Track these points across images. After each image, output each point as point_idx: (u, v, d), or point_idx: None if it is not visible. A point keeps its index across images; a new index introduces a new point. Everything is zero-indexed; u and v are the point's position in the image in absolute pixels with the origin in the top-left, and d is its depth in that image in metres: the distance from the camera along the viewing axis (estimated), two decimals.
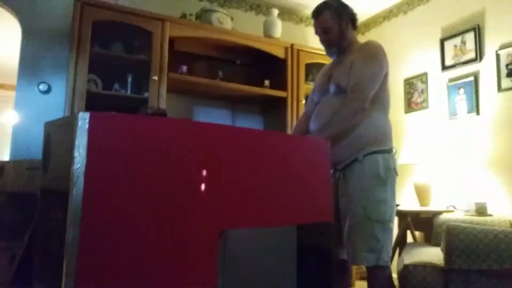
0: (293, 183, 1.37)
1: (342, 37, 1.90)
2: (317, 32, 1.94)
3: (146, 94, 2.79)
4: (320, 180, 1.47)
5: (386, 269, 1.79)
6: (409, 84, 3.36)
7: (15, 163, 2.57)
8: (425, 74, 3.22)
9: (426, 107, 3.18)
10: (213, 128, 1.23)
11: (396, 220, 2.79)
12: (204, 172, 1.16)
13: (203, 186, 1.15)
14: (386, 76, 1.85)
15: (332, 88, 1.91)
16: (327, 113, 1.85)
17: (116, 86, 2.83)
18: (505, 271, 1.52)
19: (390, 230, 1.79)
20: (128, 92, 2.85)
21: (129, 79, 2.86)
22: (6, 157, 3.00)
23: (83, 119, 1.00)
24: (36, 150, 2.58)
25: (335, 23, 1.87)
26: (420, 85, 3.25)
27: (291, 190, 1.36)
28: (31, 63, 2.87)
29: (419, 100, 3.26)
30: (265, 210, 1.28)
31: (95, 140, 1.00)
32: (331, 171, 1.90)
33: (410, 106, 3.34)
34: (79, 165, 0.99)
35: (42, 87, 2.88)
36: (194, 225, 1.13)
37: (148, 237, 1.05)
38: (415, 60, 3.35)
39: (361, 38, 3.85)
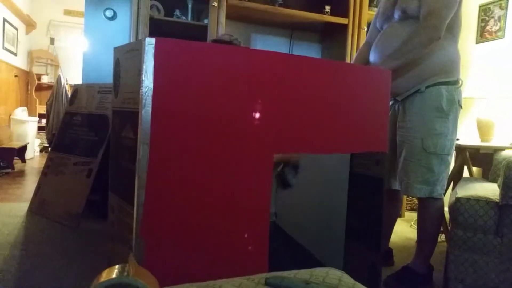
0: (349, 112, 1.39)
1: None
2: None
3: (206, 21, 2.80)
4: (378, 110, 1.47)
5: (438, 201, 1.81)
6: (485, 11, 3.06)
7: (87, 87, 2.78)
8: None
9: (502, 37, 2.91)
10: (269, 56, 1.25)
11: (453, 154, 2.73)
12: (260, 98, 1.21)
13: (258, 112, 1.21)
14: (460, 0, 1.71)
15: (397, 14, 1.79)
16: (391, 42, 1.77)
17: (177, 12, 2.87)
18: None
19: (447, 164, 1.77)
20: (189, 18, 2.88)
21: (189, 5, 2.87)
22: (78, 81, 3.22)
23: (150, 44, 1.07)
24: (105, 75, 2.76)
25: None
26: (497, 12, 2.95)
27: (346, 119, 1.39)
28: None
29: (495, 28, 2.98)
30: (318, 137, 1.33)
31: (161, 64, 1.07)
32: (391, 102, 1.87)
33: (483, 35, 3.07)
34: (147, 88, 1.07)
35: (108, 13, 2.98)
36: (250, 147, 1.20)
37: (210, 156, 1.15)
38: None
39: None
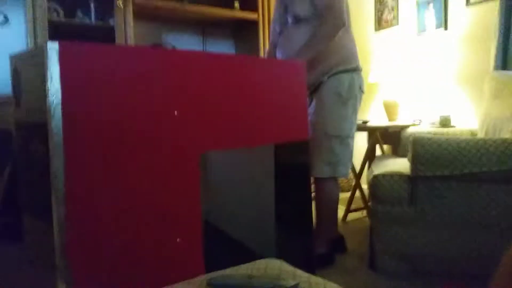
0: (269, 105, 1.42)
1: None
2: None
3: (111, 22, 2.67)
4: (296, 101, 1.52)
5: (334, 182, 1.90)
6: (380, 2, 3.32)
7: None
8: None
9: (396, 24, 3.18)
10: (184, 55, 1.23)
11: (365, 135, 2.94)
12: (177, 99, 1.19)
13: (177, 112, 1.18)
14: None
15: (290, 19, 1.90)
16: (291, 43, 1.87)
17: (79, 13, 2.68)
18: (465, 176, 1.66)
19: (348, 145, 1.90)
20: (92, 20, 2.71)
21: (92, 5, 2.70)
22: None
23: (53, 49, 0.99)
24: (0, 85, 2.49)
25: None
26: (390, 2, 3.22)
27: (268, 112, 1.41)
28: None
29: (389, 17, 3.24)
30: (241, 132, 1.34)
31: (67, 69, 1.00)
32: None
33: (380, 24, 3.33)
34: (53, 96, 0.99)
35: None
36: (173, 149, 1.17)
37: (132, 161, 1.10)
38: None
39: None
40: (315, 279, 0.70)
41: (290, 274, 0.71)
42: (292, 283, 0.66)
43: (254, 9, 3.14)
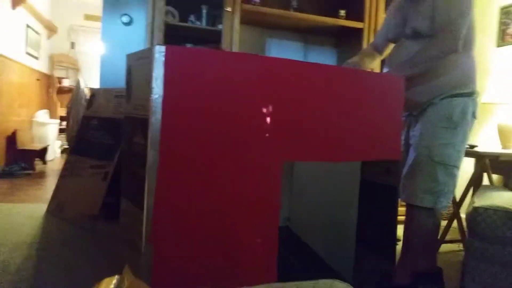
0: (361, 120, 1.37)
1: None
2: None
3: (220, 26, 2.82)
4: (390, 117, 1.45)
5: (434, 213, 1.73)
6: (506, 13, 2.98)
7: (104, 91, 2.82)
8: None
9: None
10: (281, 63, 1.25)
11: (472, 161, 2.66)
12: (270, 106, 1.21)
13: (268, 119, 1.20)
14: (472, 10, 1.67)
15: (409, 31, 1.77)
16: (405, 57, 1.75)
17: (192, 18, 2.89)
18: None
19: (453, 176, 1.72)
20: (203, 24, 2.89)
21: (204, 11, 2.89)
22: (96, 85, 3.28)
23: (160, 52, 1.08)
24: (122, 79, 2.78)
25: None
26: None
27: (359, 127, 1.37)
28: None
29: None
30: (328, 145, 1.31)
31: (170, 72, 1.08)
32: (406, 114, 1.85)
33: (504, 38, 2.99)
34: (157, 95, 1.08)
35: (125, 18, 3.03)
36: (260, 154, 1.20)
37: (219, 162, 1.15)
38: None
39: None
40: None
41: None
42: None
43: (360, 18, 3.05)
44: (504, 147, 2.59)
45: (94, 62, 6.54)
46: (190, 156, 1.12)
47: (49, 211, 2.67)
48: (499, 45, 3.03)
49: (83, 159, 2.67)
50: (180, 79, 1.10)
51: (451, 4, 1.61)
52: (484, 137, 2.97)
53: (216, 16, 2.91)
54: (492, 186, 2.40)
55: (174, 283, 1.11)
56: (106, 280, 0.59)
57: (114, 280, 0.58)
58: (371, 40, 3.03)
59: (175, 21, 2.82)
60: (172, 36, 2.70)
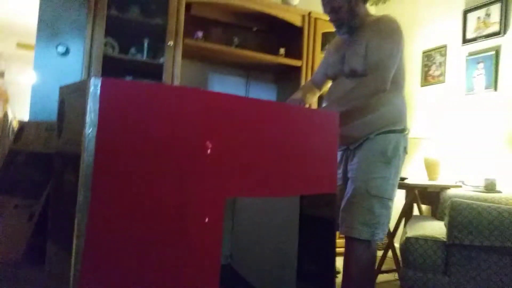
0: (298, 154, 1.40)
1: (352, 15, 1.82)
2: (325, 11, 1.87)
3: (161, 60, 2.80)
4: (326, 151, 1.49)
5: (371, 245, 1.80)
6: (427, 57, 3.28)
7: (34, 124, 2.65)
8: (445, 46, 3.13)
9: (443, 81, 3.12)
10: (221, 98, 1.25)
11: (403, 193, 2.82)
12: (211, 141, 1.20)
13: (209, 155, 1.19)
14: (402, 53, 1.82)
15: (346, 70, 1.88)
16: (341, 94, 1.84)
17: (133, 50, 2.85)
18: (506, 249, 1.54)
19: (388, 208, 1.80)
20: (144, 57, 2.86)
21: (145, 44, 2.87)
22: (25, 117, 3.08)
23: (95, 85, 1.03)
24: (54, 112, 2.65)
25: (344, 1, 1.79)
26: (438, 58, 3.17)
27: (296, 161, 1.39)
28: (50, 24, 2.90)
29: (437, 73, 3.19)
30: (269, 180, 1.32)
31: (106, 105, 1.04)
32: (343, 148, 1.92)
33: (426, 79, 3.28)
34: (90, 130, 1.03)
35: (61, 48, 2.92)
36: (200, 191, 1.17)
37: (157, 201, 1.10)
38: (435, 31, 3.25)
39: (381, 8, 3.75)
40: None
41: None
42: None
43: (299, 56, 3.19)
44: (430, 179, 2.78)
45: (25, 93, 6.18)
46: (126, 194, 1.07)
47: None
48: (422, 85, 3.31)
49: (7, 198, 2.46)
50: (116, 113, 1.06)
51: (381, 46, 1.74)
52: (413, 170, 3.17)
53: (157, 49, 2.89)
54: (421, 216, 2.55)
55: None
56: None
57: None
58: (309, 77, 3.17)
59: (114, 53, 2.77)
60: (111, 68, 2.64)
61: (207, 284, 1.18)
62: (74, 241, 1.01)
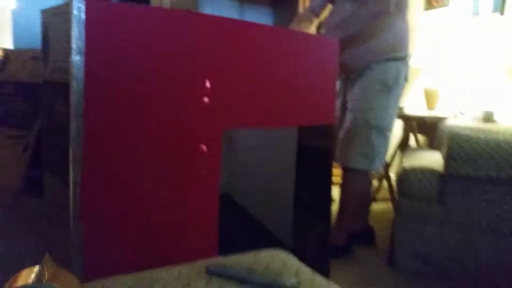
0: (297, 84, 1.35)
1: None
2: None
3: None
4: (325, 81, 1.44)
5: (366, 175, 1.82)
6: None
7: (19, 52, 2.53)
8: None
9: (447, 4, 2.96)
10: (217, 21, 1.16)
11: (400, 123, 2.80)
12: (208, 68, 1.14)
13: (207, 83, 1.13)
14: None
15: None
16: (339, 18, 1.75)
17: None
18: (501, 179, 1.56)
19: (386, 138, 1.80)
20: None
21: None
22: (8, 45, 2.94)
23: (79, 7, 0.95)
24: (39, 39, 2.52)
25: None
26: None
27: (294, 91, 1.34)
28: None
29: None
30: (266, 111, 1.28)
31: (93, 30, 0.96)
32: (343, 78, 1.86)
33: (430, 2, 3.11)
34: (77, 57, 0.96)
35: None
36: (198, 122, 1.13)
37: (153, 129, 1.07)
38: None
39: None
40: (318, 279, 0.66)
41: (293, 270, 0.67)
42: (293, 282, 0.62)
43: None
44: (429, 109, 2.75)
45: (6, 19, 5.85)
46: (121, 123, 1.03)
47: None
48: (425, 9, 3.14)
49: None
50: (104, 38, 0.99)
51: None
52: (411, 101, 3.13)
53: None
54: (418, 147, 2.56)
55: (109, 263, 1.04)
56: (24, 273, 0.51)
57: (33, 271, 0.51)
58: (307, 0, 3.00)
59: None
60: None
61: (207, 215, 1.19)
62: (71, 173, 0.98)
